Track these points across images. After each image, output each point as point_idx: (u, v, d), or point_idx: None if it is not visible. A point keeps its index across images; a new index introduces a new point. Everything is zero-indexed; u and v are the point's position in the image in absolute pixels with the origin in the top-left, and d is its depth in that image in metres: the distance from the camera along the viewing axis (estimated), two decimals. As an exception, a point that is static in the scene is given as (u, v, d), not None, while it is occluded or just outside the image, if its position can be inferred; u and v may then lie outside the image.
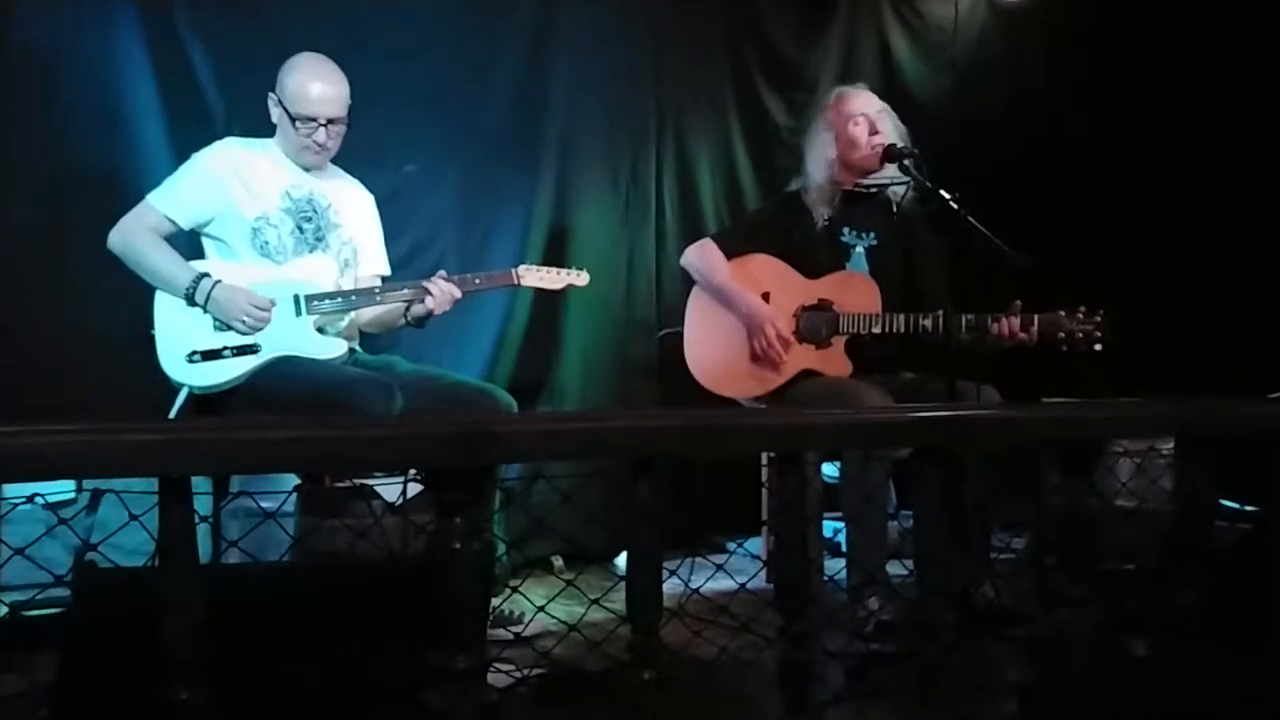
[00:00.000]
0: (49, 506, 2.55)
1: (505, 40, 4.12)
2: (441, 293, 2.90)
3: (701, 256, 3.42)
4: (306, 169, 2.99)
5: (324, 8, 3.64)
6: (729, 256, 3.37)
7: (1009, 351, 3.11)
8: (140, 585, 1.67)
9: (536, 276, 3.06)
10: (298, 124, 2.90)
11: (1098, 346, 3.05)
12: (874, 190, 3.37)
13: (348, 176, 3.15)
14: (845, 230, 3.37)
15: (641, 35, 4.43)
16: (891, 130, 3.32)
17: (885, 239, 3.37)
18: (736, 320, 3.33)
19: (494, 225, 4.09)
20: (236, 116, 3.39)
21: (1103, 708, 1.96)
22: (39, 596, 1.95)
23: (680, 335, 3.42)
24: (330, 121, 2.91)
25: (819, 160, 3.39)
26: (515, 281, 3.03)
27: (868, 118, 3.32)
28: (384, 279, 3.15)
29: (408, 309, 2.96)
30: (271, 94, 2.93)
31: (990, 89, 4.89)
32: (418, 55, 3.84)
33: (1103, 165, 4.63)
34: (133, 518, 1.54)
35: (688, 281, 3.50)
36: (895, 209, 3.34)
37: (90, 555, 2.44)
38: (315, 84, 2.89)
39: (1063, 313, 3.09)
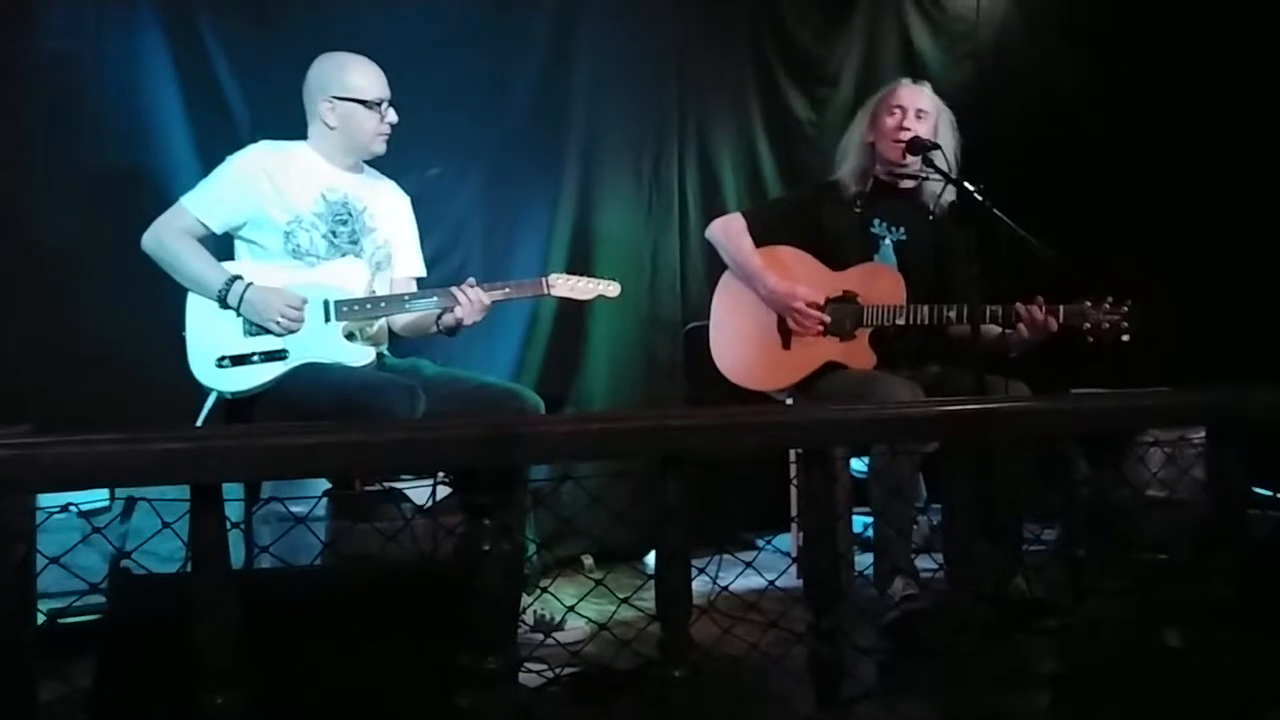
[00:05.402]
0: (84, 515, 2.60)
1: (527, 41, 4.13)
2: (470, 301, 2.89)
3: (726, 230, 3.42)
4: (351, 171, 3.03)
5: (345, 13, 3.66)
6: (758, 240, 3.37)
7: (1036, 348, 3.09)
8: (174, 591, 1.69)
9: (567, 286, 3.03)
10: (377, 106, 2.95)
11: (1125, 338, 3.03)
12: (907, 185, 3.35)
13: (383, 178, 3.16)
14: (876, 222, 3.36)
15: (663, 32, 4.42)
16: (933, 131, 3.26)
17: (915, 235, 3.36)
18: (761, 305, 3.32)
19: (518, 226, 4.10)
20: (260, 122, 3.41)
21: (1136, 699, 1.94)
22: (76, 604, 1.98)
23: (706, 329, 3.42)
24: (391, 101, 2.99)
25: (854, 141, 3.41)
26: (545, 291, 3.01)
27: (904, 110, 3.29)
28: (419, 281, 3.17)
29: (439, 318, 2.97)
30: (326, 100, 2.94)
31: (1013, 79, 4.86)
32: (439, 58, 3.85)
33: (1128, 155, 4.59)
34: (165, 525, 1.56)
35: (713, 276, 3.50)
36: (931, 209, 3.32)
37: (125, 562, 2.47)
38: (368, 67, 2.97)
39: (1089, 303, 3.06)
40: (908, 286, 3.24)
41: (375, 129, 2.97)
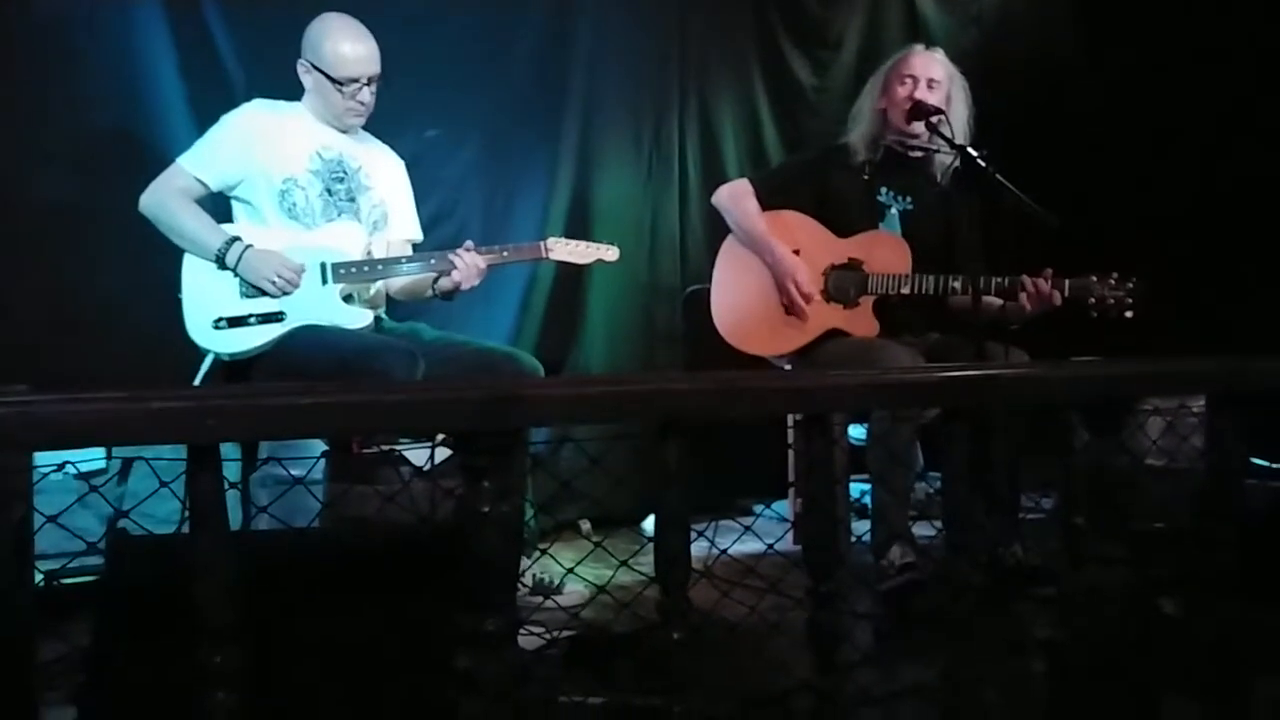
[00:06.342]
0: (81, 476, 2.60)
1: (527, 3, 4.09)
2: (467, 265, 2.88)
3: (733, 197, 3.39)
4: (342, 131, 2.99)
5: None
6: (765, 204, 3.35)
7: (1038, 318, 3.09)
8: (171, 552, 1.69)
9: (565, 250, 3.01)
10: (343, 86, 2.89)
11: (1129, 314, 3.02)
12: (917, 155, 3.33)
13: (378, 141, 3.14)
14: (883, 190, 3.34)
15: (664, -4, 4.39)
16: (944, 100, 3.22)
17: (922, 206, 3.34)
18: (765, 271, 3.31)
19: (517, 190, 4.08)
20: (256, 83, 3.38)
21: (1132, 667, 1.95)
22: (72, 564, 1.98)
23: (707, 292, 3.40)
24: (370, 80, 2.91)
25: (865, 108, 3.37)
26: (544, 255, 2.99)
27: (915, 79, 3.26)
28: (415, 244, 3.15)
29: (435, 281, 2.95)
30: (302, 61, 2.92)
31: (1017, 43, 4.81)
32: (439, 20, 3.82)
33: (1134, 121, 4.55)
34: (162, 484, 1.56)
35: (713, 242, 3.47)
36: (939, 180, 3.30)
37: (122, 523, 2.47)
38: (353, 44, 2.89)
39: (1094, 278, 3.05)
40: (913, 256, 3.22)
41: (341, 104, 2.93)
